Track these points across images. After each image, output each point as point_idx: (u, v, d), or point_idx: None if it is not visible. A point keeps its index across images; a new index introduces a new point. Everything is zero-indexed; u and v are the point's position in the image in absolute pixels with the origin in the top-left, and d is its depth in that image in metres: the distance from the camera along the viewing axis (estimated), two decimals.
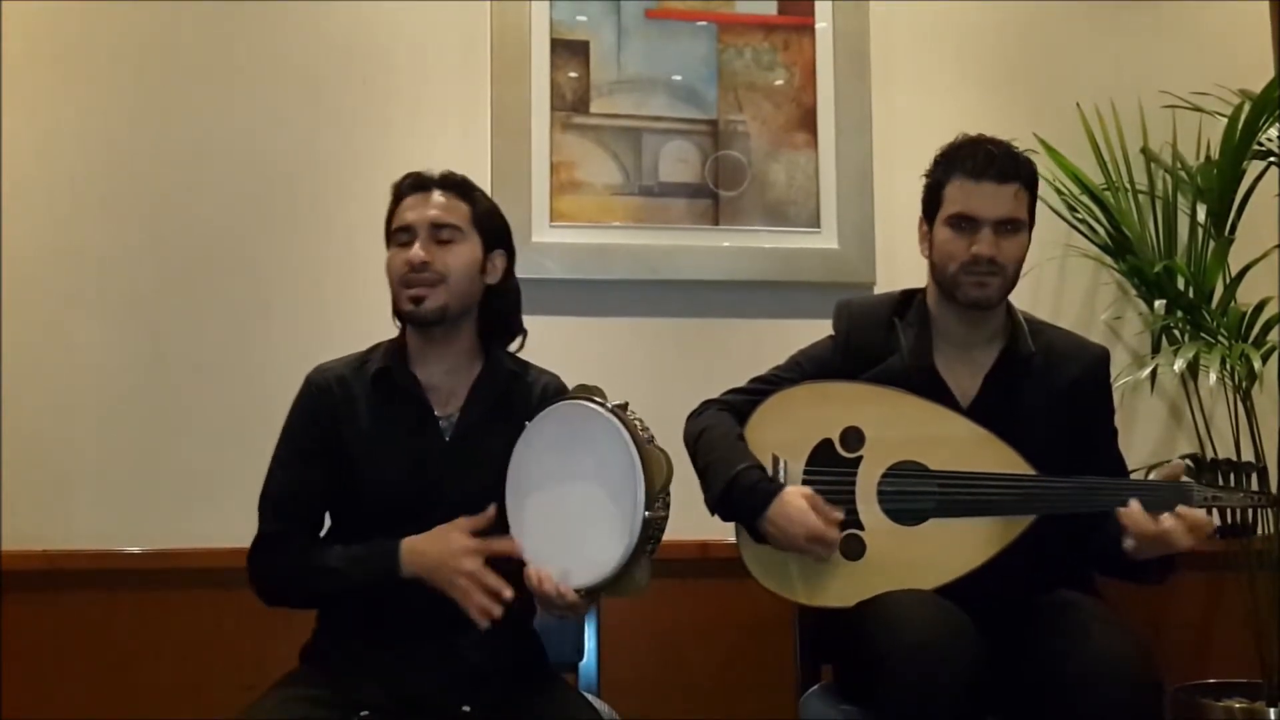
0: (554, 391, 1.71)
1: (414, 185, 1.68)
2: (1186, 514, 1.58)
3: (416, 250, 1.61)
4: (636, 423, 1.49)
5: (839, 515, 1.68)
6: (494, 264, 1.70)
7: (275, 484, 1.65)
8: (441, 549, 1.52)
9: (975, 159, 1.74)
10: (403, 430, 1.64)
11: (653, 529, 1.46)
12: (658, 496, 1.45)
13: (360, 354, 1.72)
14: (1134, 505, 1.60)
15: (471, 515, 1.58)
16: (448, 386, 1.68)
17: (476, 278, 1.67)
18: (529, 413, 1.62)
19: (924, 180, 1.83)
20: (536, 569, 1.50)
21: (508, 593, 1.49)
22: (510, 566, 1.53)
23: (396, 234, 1.66)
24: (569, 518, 1.51)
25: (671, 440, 1.87)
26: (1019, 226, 1.76)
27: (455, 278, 1.64)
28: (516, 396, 1.69)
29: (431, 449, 1.62)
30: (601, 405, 1.51)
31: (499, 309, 1.73)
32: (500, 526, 1.57)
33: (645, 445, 1.47)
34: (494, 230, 1.70)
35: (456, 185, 1.69)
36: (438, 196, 1.66)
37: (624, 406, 1.51)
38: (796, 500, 1.67)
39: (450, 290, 1.63)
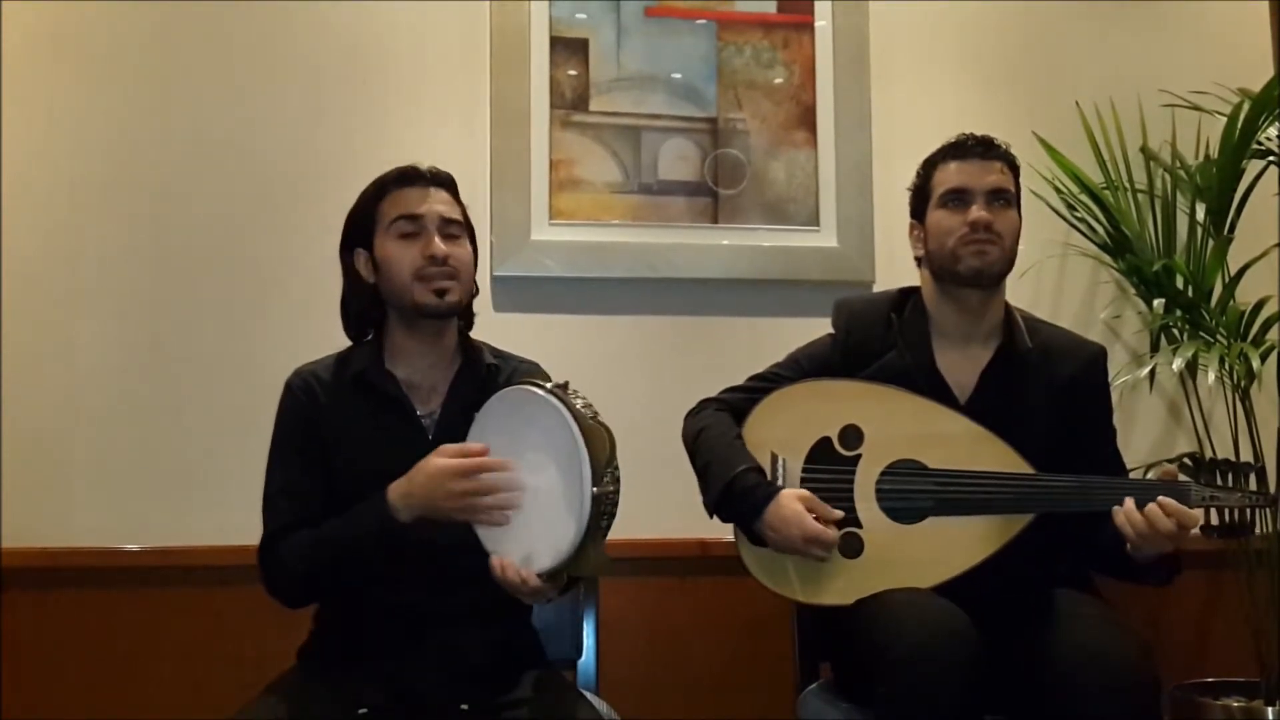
0: (536, 377, 1.70)
1: (412, 178, 1.67)
2: (1164, 502, 1.58)
3: (439, 244, 1.62)
4: (578, 402, 1.48)
5: (837, 515, 1.69)
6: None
7: (275, 484, 1.65)
8: (425, 482, 1.50)
9: (958, 145, 1.83)
10: (385, 430, 1.64)
11: (604, 505, 1.45)
12: (604, 472, 1.44)
13: (337, 355, 1.72)
14: (1127, 502, 1.60)
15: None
16: (428, 383, 1.68)
17: (473, 272, 1.69)
18: None
19: (910, 190, 1.89)
20: (499, 558, 1.50)
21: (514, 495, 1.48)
22: (480, 558, 1.52)
23: (399, 224, 1.64)
24: (525, 503, 1.51)
25: (671, 438, 1.88)
26: (1010, 200, 1.80)
27: (466, 273, 1.66)
28: (496, 387, 1.68)
29: (415, 447, 1.61)
30: (540, 387, 1.50)
31: (470, 302, 1.75)
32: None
33: (587, 422, 1.46)
34: (472, 227, 1.73)
35: (451, 183, 1.70)
36: (440, 193, 1.67)
37: (564, 386, 1.51)
38: (792, 503, 1.68)
39: (463, 285, 1.65)
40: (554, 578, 1.48)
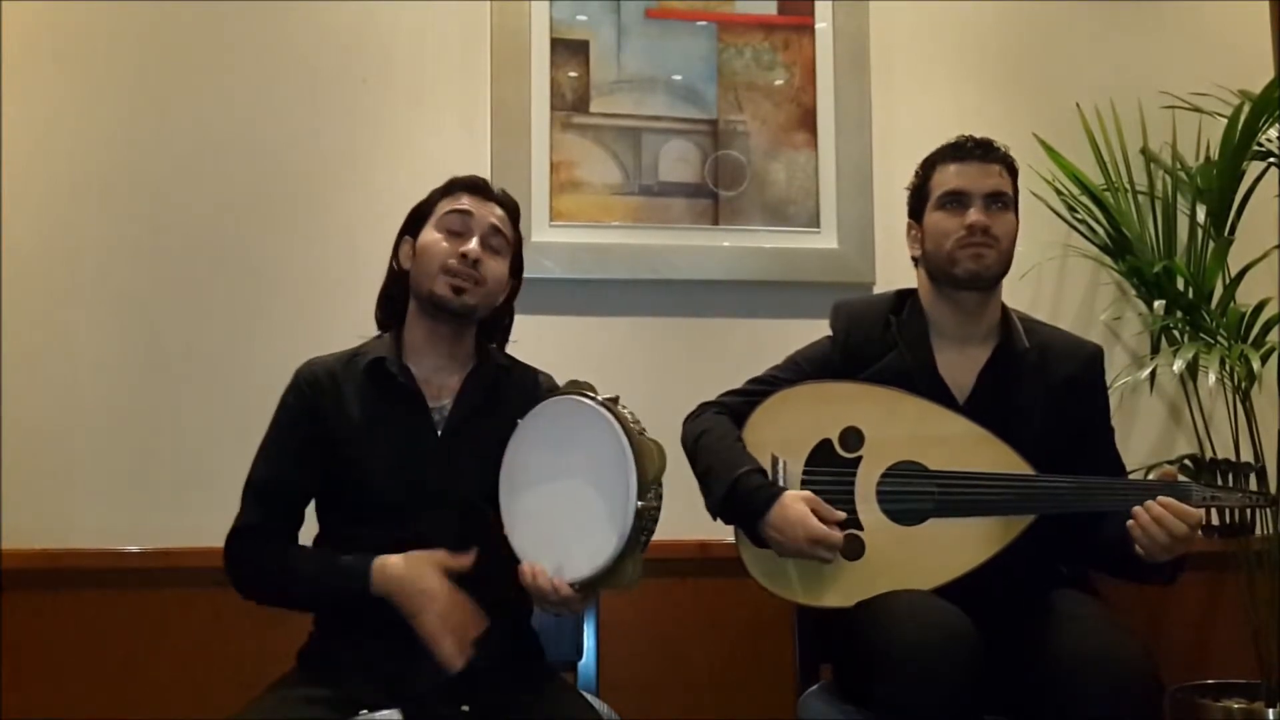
0: (546, 388, 1.73)
1: (477, 188, 1.72)
2: (1169, 505, 1.58)
3: (475, 245, 1.65)
4: (628, 415, 1.50)
5: (841, 516, 1.69)
6: (510, 285, 1.76)
7: (259, 475, 1.66)
8: (414, 581, 1.51)
9: (957, 146, 1.83)
10: (394, 423, 1.64)
11: (645, 519, 1.46)
12: (650, 486, 1.46)
13: (350, 350, 1.73)
14: (1140, 516, 1.60)
15: (461, 510, 1.59)
16: (439, 380, 1.69)
17: (501, 293, 1.73)
18: (519, 408, 1.62)
19: (908, 189, 1.89)
20: (530, 564, 1.50)
21: (473, 632, 1.50)
22: (507, 562, 1.53)
23: (448, 218, 1.68)
24: (563, 512, 1.51)
25: (670, 440, 1.87)
26: (1007, 203, 1.81)
27: (492, 286, 1.69)
28: (506, 391, 1.70)
29: (423, 443, 1.63)
30: (592, 399, 1.52)
31: (498, 325, 1.79)
32: (495, 523, 1.57)
33: (637, 436, 1.47)
34: (518, 257, 1.77)
35: (512, 208, 1.75)
36: (499, 210, 1.72)
37: (615, 400, 1.52)
38: (796, 504, 1.67)
39: (485, 295, 1.68)
40: (586, 589, 1.48)
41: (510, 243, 1.72)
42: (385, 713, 1.48)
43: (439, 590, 1.51)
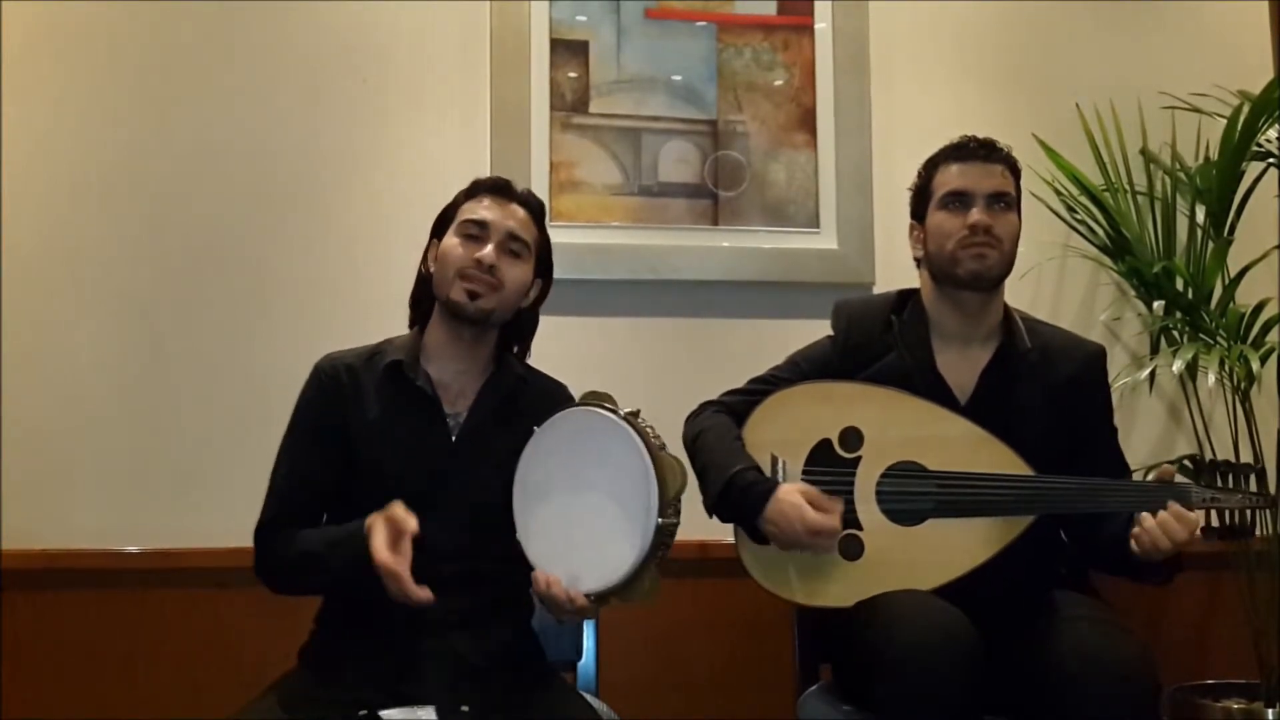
0: (563, 398, 1.72)
1: (498, 189, 1.72)
2: (1174, 512, 1.58)
3: (489, 251, 1.65)
4: (648, 430, 1.50)
5: (838, 506, 1.69)
6: (533, 289, 1.75)
7: (281, 470, 1.66)
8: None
9: (959, 147, 1.83)
10: (410, 426, 1.65)
11: (664, 535, 1.48)
12: (670, 503, 1.46)
13: (370, 346, 1.73)
14: (1143, 516, 1.60)
15: (474, 514, 1.59)
16: (458, 385, 1.69)
17: (521, 297, 1.72)
18: (535, 417, 1.62)
19: (910, 190, 1.89)
20: (545, 573, 1.51)
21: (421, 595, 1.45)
22: (521, 567, 1.54)
23: (465, 225, 1.68)
24: (579, 523, 1.51)
25: (671, 440, 1.87)
26: (1010, 204, 1.81)
27: (510, 291, 1.68)
28: (523, 400, 1.70)
29: (438, 446, 1.63)
30: (613, 412, 1.52)
31: (521, 329, 1.78)
32: (508, 530, 1.58)
33: (658, 452, 1.48)
34: (544, 260, 1.76)
35: (535, 207, 1.74)
36: (519, 210, 1.71)
37: (635, 414, 1.52)
38: (792, 496, 1.68)
39: (502, 299, 1.67)
40: (602, 600, 1.49)
41: (532, 246, 1.71)
42: (419, 710, 1.48)
43: (376, 532, 1.46)
